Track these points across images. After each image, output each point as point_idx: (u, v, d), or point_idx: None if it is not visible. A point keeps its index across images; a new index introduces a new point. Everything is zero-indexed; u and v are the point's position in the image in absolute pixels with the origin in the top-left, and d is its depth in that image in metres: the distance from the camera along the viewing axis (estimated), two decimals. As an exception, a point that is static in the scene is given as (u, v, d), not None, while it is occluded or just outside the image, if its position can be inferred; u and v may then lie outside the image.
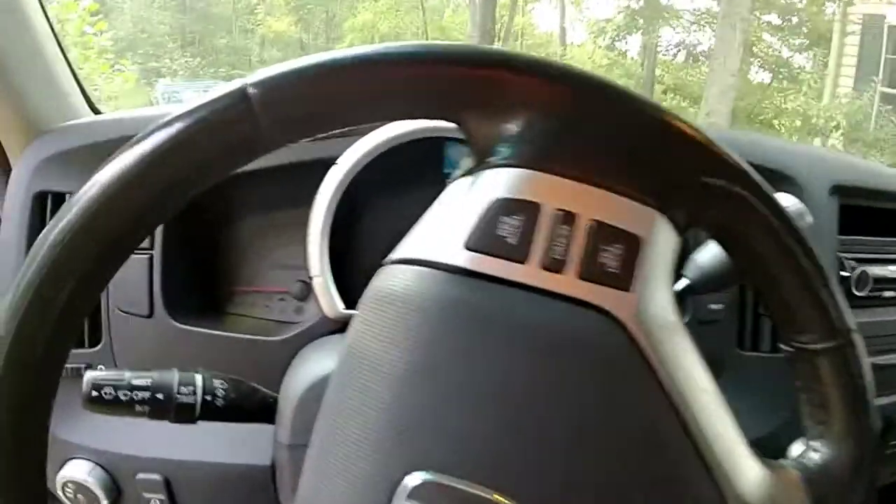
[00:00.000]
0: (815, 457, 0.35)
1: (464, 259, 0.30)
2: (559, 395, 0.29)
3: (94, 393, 0.42)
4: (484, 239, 0.30)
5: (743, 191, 0.33)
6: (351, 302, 0.63)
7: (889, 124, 5.95)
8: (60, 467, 0.62)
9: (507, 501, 0.28)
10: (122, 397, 0.42)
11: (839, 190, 0.76)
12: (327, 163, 0.62)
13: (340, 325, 0.62)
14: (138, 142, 0.29)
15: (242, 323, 0.69)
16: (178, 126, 0.29)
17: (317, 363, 0.52)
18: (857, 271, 0.78)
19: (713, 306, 0.68)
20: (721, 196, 0.32)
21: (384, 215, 0.69)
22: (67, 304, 0.29)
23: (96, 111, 0.81)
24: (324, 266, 0.60)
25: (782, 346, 0.36)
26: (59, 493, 0.61)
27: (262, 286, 0.72)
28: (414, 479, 0.28)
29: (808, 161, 0.77)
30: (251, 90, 0.28)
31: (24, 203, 0.64)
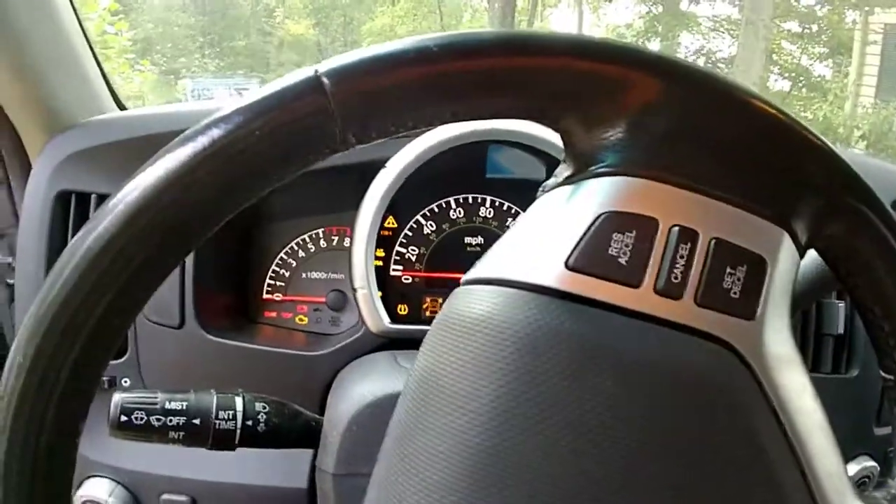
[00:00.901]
0: None
1: (565, 281, 0.26)
2: (673, 436, 0.25)
3: (124, 418, 0.38)
4: (591, 258, 0.26)
5: (867, 209, 0.29)
6: (392, 316, 0.59)
7: (913, 134, 5.88)
8: (79, 485, 0.59)
9: None
10: (155, 423, 0.39)
11: None
12: (370, 166, 0.59)
13: (384, 341, 0.59)
14: (191, 138, 0.25)
15: (275, 334, 0.66)
16: (239, 120, 0.24)
17: (365, 385, 0.48)
18: None
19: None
20: (846, 213, 0.29)
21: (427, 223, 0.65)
22: (100, 324, 0.25)
23: (122, 108, 0.77)
24: (370, 278, 0.56)
25: (884, 374, 0.33)
26: None
27: (296, 296, 0.68)
28: None
29: (872, 172, 0.73)
30: (326, 80, 0.24)
31: (45, 203, 0.61)
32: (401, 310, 0.64)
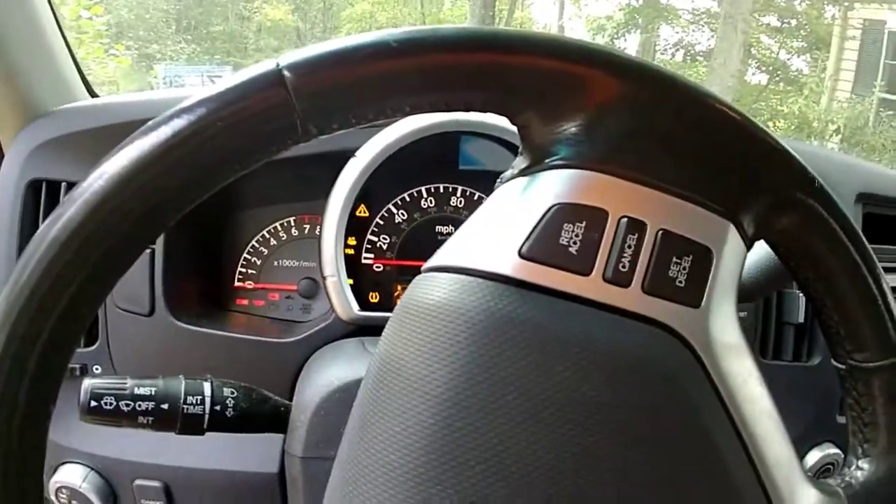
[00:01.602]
0: (859, 475, 0.34)
1: (519, 269, 0.27)
2: (619, 420, 0.27)
3: (94, 403, 0.39)
4: (543, 247, 0.27)
5: (816, 203, 0.30)
6: (364, 303, 0.60)
7: (889, 129, 5.97)
8: (54, 472, 0.59)
9: None
10: (124, 407, 0.39)
11: (864, 197, 0.75)
12: (341, 155, 0.59)
13: (354, 328, 0.59)
14: (154, 127, 0.25)
15: (247, 321, 0.66)
16: (202, 111, 0.25)
17: (333, 370, 0.49)
18: (891, 292, 0.76)
19: (738, 314, 0.65)
20: (795, 207, 0.30)
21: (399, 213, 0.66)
22: (68, 309, 0.25)
23: (94, 95, 0.77)
24: (339, 265, 0.57)
25: (836, 362, 0.35)
26: (53, 498, 0.58)
27: (268, 283, 0.69)
28: None
29: (836, 168, 0.75)
30: (287, 74, 0.25)
31: (17, 191, 0.61)
32: (372, 297, 0.65)
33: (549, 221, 0.27)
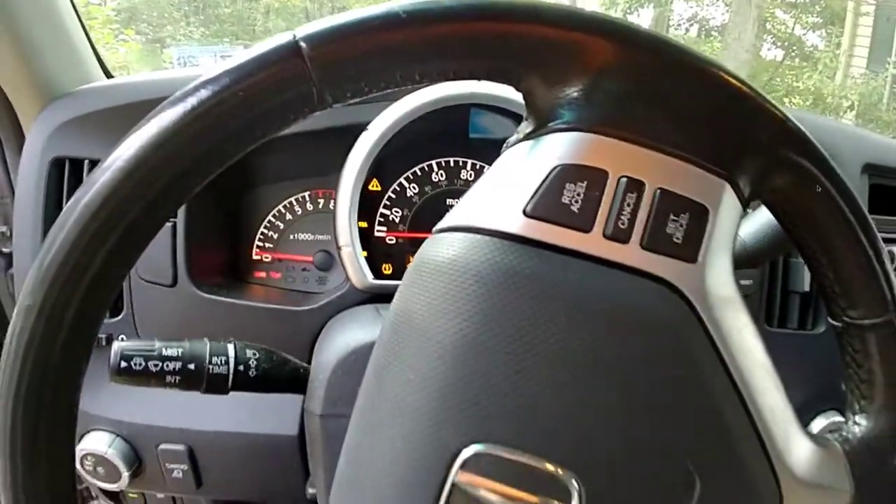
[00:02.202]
0: (856, 430, 0.35)
1: (523, 227, 0.29)
2: (618, 368, 0.28)
3: (123, 364, 0.41)
4: (546, 206, 0.29)
5: (809, 164, 0.32)
6: (377, 274, 0.62)
7: (902, 106, 5.91)
8: (80, 439, 0.61)
9: (561, 471, 0.27)
10: (153, 368, 0.41)
11: (870, 168, 0.75)
12: (353, 130, 0.61)
13: (368, 297, 0.61)
14: (181, 99, 0.27)
15: (265, 293, 0.68)
16: (225, 82, 0.27)
17: (349, 333, 0.50)
18: (886, 250, 0.77)
19: (744, 282, 0.66)
20: (788, 167, 0.31)
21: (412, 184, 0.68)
22: (100, 272, 0.27)
23: (109, 76, 0.79)
24: (353, 235, 0.59)
25: (832, 321, 0.36)
26: (79, 465, 0.60)
27: (285, 256, 0.71)
28: (469, 450, 0.27)
29: (844, 138, 0.76)
30: (303, 45, 0.26)
31: (41, 169, 0.63)
32: (385, 269, 0.67)
33: (552, 182, 0.29)
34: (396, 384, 0.30)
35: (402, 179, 0.68)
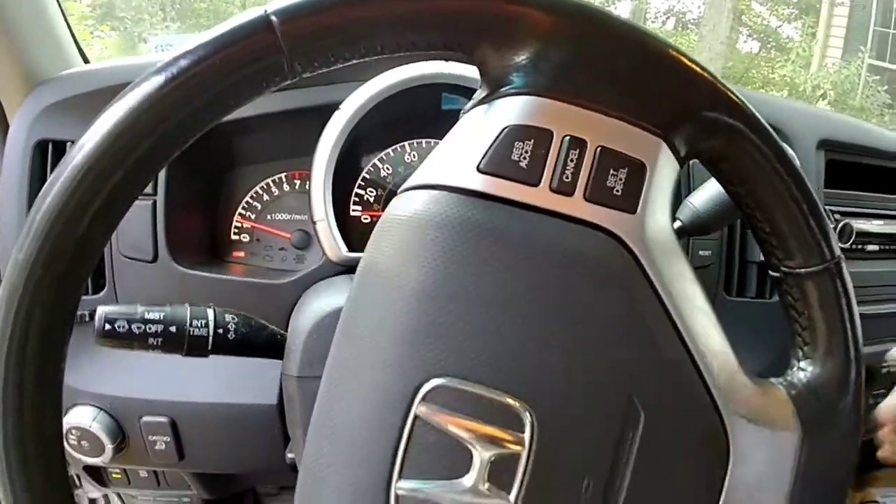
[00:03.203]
0: (801, 375, 0.38)
1: (478, 182, 0.32)
2: (565, 309, 0.31)
3: (108, 326, 0.42)
4: (497, 163, 0.32)
5: (741, 124, 0.34)
6: (352, 249, 0.64)
7: (876, 94, 6.02)
8: (64, 414, 0.62)
9: (513, 402, 0.30)
10: (136, 330, 0.43)
11: (826, 144, 0.79)
12: (327, 109, 0.63)
13: (344, 270, 0.64)
14: (162, 69, 0.29)
15: (243, 271, 0.70)
16: (202, 53, 0.29)
17: (324, 299, 0.53)
18: (841, 224, 0.80)
19: (702, 252, 0.70)
20: (721, 128, 0.34)
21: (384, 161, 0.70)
22: (86, 232, 0.29)
23: (87, 62, 0.80)
24: (327, 210, 0.61)
25: (772, 272, 0.38)
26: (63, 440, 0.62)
27: (262, 236, 0.73)
28: (429, 384, 0.30)
29: (798, 115, 0.79)
30: (274, 19, 0.29)
31: (25, 152, 0.64)
32: (359, 246, 0.69)
33: (503, 140, 0.32)
34: (363, 328, 0.32)
35: (375, 160, 0.70)
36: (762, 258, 0.72)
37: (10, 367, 0.29)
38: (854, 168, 0.85)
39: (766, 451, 0.35)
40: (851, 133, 0.84)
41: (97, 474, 0.76)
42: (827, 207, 0.79)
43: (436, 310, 0.31)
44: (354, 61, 0.32)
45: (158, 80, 0.29)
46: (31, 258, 0.29)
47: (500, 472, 0.30)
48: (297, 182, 0.73)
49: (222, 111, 0.31)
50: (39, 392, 0.30)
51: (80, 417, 0.62)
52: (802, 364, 0.38)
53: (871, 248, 0.85)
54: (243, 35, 0.29)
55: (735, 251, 0.72)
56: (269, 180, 0.73)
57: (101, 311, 0.43)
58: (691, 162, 0.69)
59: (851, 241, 0.81)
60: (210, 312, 0.45)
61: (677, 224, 0.56)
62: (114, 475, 0.77)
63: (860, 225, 0.83)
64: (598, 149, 0.32)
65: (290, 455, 0.61)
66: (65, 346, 0.31)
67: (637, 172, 0.32)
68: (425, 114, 0.68)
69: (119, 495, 0.87)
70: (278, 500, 1.27)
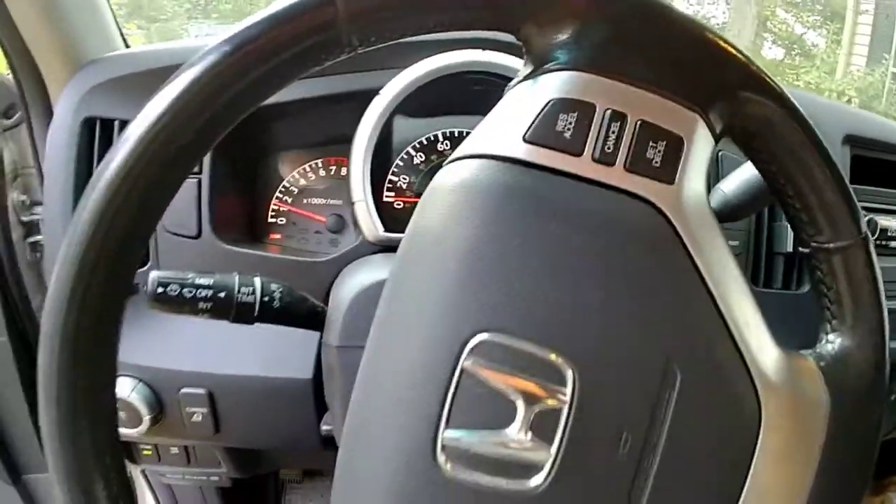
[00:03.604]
0: (829, 348, 0.39)
1: (523, 151, 0.33)
2: (605, 272, 0.33)
3: (160, 290, 0.44)
4: (543, 133, 0.33)
5: (773, 103, 0.36)
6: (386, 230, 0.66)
7: (901, 101, 5.95)
8: None
9: (559, 358, 0.32)
10: (187, 294, 0.45)
11: (851, 140, 0.79)
12: (362, 96, 0.65)
13: (379, 249, 0.66)
14: (229, 40, 0.31)
15: (281, 252, 0.72)
16: (268, 24, 0.31)
17: (363, 274, 0.55)
18: (866, 220, 0.81)
19: (730, 243, 0.71)
20: (754, 107, 0.35)
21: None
22: (142, 202, 0.31)
23: (128, 47, 0.83)
24: (366, 191, 0.63)
25: (802, 248, 0.40)
26: None
27: (299, 219, 0.75)
28: (475, 339, 0.32)
29: (824, 110, 0.80)
30: None
31: (73, 129, 0.67)
32: (394, 231, 0.71)
33: (548, 112, 0.33)
34: (411, 287, 0.34)
35: (409, 148, 0.72)
36: (790, 249, 0.74)
37: (75, 308, 0.31)
38: (879, 164, 0.85)
39: (796, 418, 0.36)
40: (877, 129, 0.84)
41: (128, 450, 0.78)
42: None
43: (482, 269, 0.32)
44: (405, 38, 0.34)
45: (226, 48, 0.31)
46: (96, 214, 0.30)
47: (541, 425, 0.32)
48: (333, 168, 0.75)
49: (282, 81, 0.32)
50: (96, 338, 0.32)
51: (119, 389, 0.62)
52: (831, 337, 0.39)
53: (895, 244, 0.86)
54: (308, 8, 0.31)
55: (762, 242, 0.73)
56: (305, 166, 0.75)
57: (154, 275, 0.45)
58: (720, 154, 0.70)
59: (876, 236, 0.82)
60: (257, 280, 0.47)
61: None
62: (144, 452, 0.79)
63: (885, 221, 0.83)
64: (638, 122, 0.33)
65: (324, 427, 0.63)
66: (124, 300, 0.32)
67: (675, 145, 0.34)
68: (458, 104, 0.70)
69: (145, 473, 0.89)
70: (300, 489, 1.30)
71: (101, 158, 0.67)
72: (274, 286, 0.48)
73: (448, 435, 0.32)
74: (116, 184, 0.30)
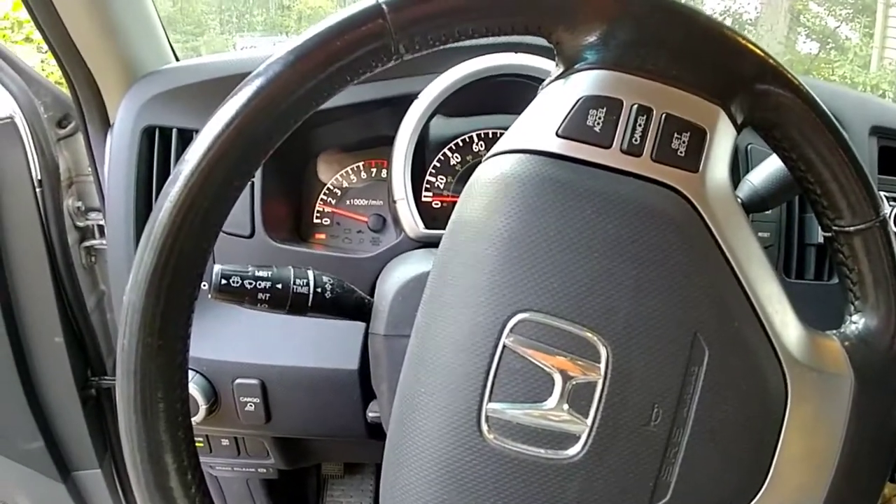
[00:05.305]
0: (853, 328, 0.41)
1: (557, 145, 0.36)
2: (635, 253, 0.35)
3: (224, 281, 0.48)
4: (574, 128, 0.36)
5: (790, 94, 0.38)
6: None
7: (935, 95, 5.79)
8: None
9: (593, 335, 0.34)
10: (248, 286, 0.49)
11: (878, 131, 0.80)
12: (400, 101, 0.69)
13: (420, 245, 0.69)
14: (293, 50, 0.34)
15: (325, 249, 0.76)
16: (326, 35, 0.34)
17: (408, 266, 0.58)
18: (893, 210, 0.81)
19: (761, 234, 0.72)
20: (772, 98, 0.38)
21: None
22: (220, 191, 0.34)
23: (177, 59, 0.87)
24: (407, 190, 0.67)
25: (824, 232, 0.42)
26: None
27: (342, 220, 0.79)
28: (516, 318, 0.35)
29: (851, 102, 0.80)
30: (385, 8, 0.34)
31: (133, 138, 0.71)
32: (432, 228, 0.75)
33: (579, 109, 0.36)
34: (456, 271, 0.37)
35: (445, 150, 0.76)
36: (820, 240, 0.75)
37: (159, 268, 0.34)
38: None
39: (821, 395, 0.38)
40: None
41: None
42: (880, 192, 0.80)
43: (521, 254, 0.35)
44: (447, 46, 0.37)
45: (289, 58, 0.35)
46: (179, 199, 0.34)
47: (578, 398, 0.35)
48: (374, 170, 0.79)
49: (339, 86, 0.36)
50: (174, 306, 0.35)
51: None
52: (854, 318, 0.41)
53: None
54: (361, 21, 0.35)
55: (794, 234, 0.75)
56: (348, 168, 0.79)
57: (218, 268, 0.49)
58: (748, 147, 0.72)
59: None
60: (310, 273, 0.51)
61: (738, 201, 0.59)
62: (196, 443, 0.83)
63: (914, 210, 0.83)
64: (663, 115, 0.36)
65: (370, 414, 0.66)
66: (202, 272, 0.36)
67: (698, 136, 0.37)
68: (492, 107, 0.73)
69: None
70: (341, 485, 1.33)
71: (160, 164, 0.72)
72: (325, 278, 0.51)
73: (491, 407, 0.35)
74: (198, 177, 0.34)
